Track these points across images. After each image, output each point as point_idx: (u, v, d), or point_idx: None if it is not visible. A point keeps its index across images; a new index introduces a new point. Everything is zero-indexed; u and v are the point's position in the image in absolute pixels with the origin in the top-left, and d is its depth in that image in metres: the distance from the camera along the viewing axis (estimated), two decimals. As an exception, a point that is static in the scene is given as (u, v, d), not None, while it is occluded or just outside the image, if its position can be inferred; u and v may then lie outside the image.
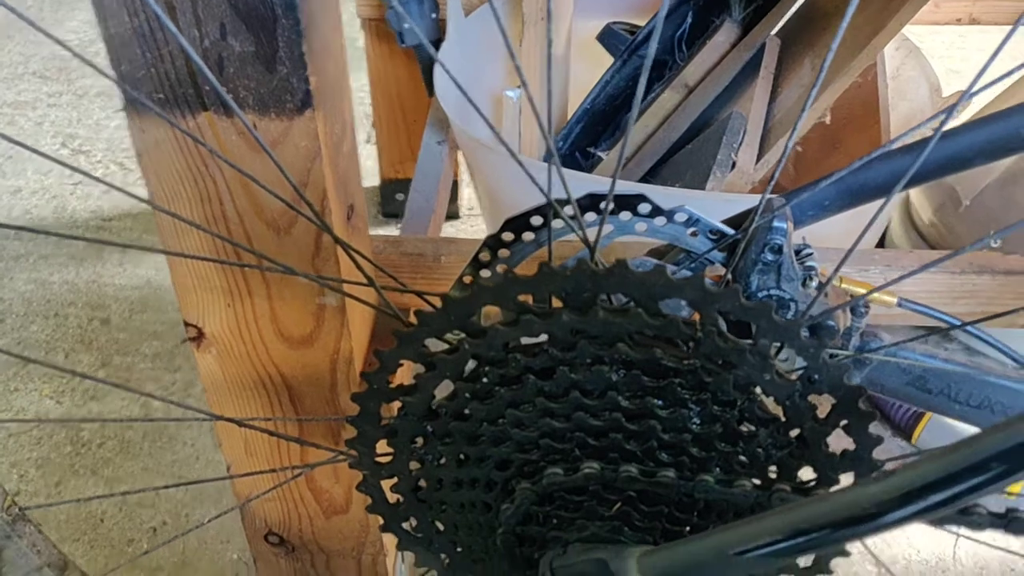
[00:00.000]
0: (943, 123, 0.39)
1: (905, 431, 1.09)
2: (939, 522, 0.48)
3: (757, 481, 0.47)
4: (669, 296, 0.41)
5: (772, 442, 0.46)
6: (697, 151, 0.86)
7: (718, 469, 0.47)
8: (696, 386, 0.45)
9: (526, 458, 0.49)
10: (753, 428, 0.46)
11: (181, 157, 0.52)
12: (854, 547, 0.92)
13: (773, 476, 0.48)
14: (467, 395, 0.47)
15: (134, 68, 0.48)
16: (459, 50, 1.04)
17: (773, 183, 0.41)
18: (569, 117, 1.15)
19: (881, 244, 1.26)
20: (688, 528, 0.51)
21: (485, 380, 0.46)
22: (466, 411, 0.48)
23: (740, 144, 0.82)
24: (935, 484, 0.32)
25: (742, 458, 0.47)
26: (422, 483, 0.53)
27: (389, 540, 0.83)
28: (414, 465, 0.52)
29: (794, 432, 0.45)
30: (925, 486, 0.33)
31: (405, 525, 0.56)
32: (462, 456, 0.50)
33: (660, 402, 0.45)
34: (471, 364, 0.47)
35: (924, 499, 0.33)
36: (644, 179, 0.93)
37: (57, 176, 1.68)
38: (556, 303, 0.44)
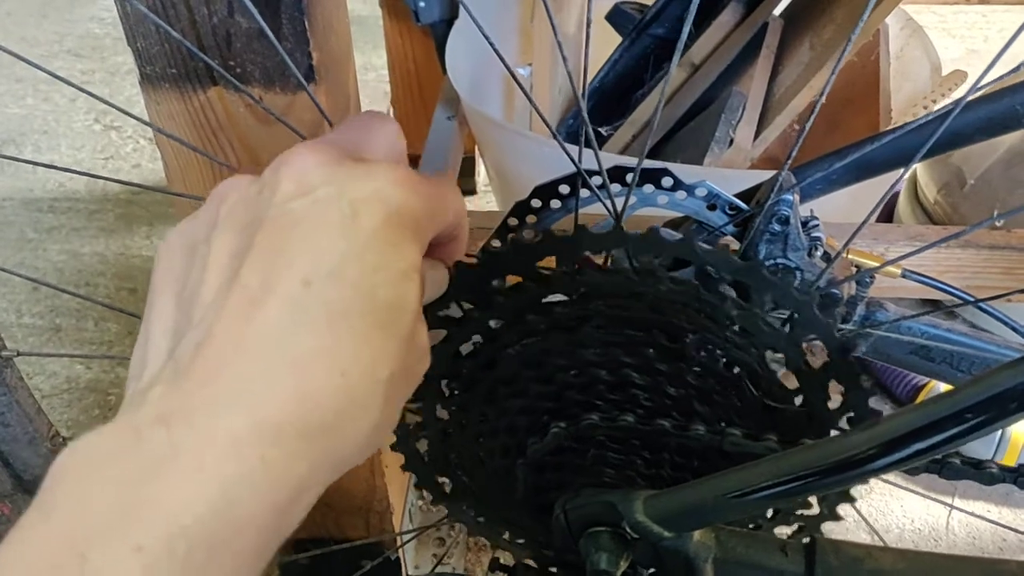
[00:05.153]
0: (953, 106, 0.41)
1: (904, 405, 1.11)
2: (916, 471, 0.50)
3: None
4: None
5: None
6: (698, 129, 0.89)
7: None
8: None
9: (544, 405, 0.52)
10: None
11: (192, 129, 0.55)
12: (849, 515, 0.94)
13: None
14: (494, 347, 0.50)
15: (149, 44, 0.52)
16: (472, 28, 1.07)
17: (790, 161, 0.42)
18: (580, 95, 1.17)
19: (889, 220, 1.27)
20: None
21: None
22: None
23: (738, 121, 0.84)
24: (916, 432, 0.34)
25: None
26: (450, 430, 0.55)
27: (395, 499, 0.86)
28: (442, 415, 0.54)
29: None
30: (907, 434, 0.35)
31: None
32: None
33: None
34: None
35: (906, 447, 0.35)
36: (648, 155, 0.95)
37: (89, 151, 1.73)
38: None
